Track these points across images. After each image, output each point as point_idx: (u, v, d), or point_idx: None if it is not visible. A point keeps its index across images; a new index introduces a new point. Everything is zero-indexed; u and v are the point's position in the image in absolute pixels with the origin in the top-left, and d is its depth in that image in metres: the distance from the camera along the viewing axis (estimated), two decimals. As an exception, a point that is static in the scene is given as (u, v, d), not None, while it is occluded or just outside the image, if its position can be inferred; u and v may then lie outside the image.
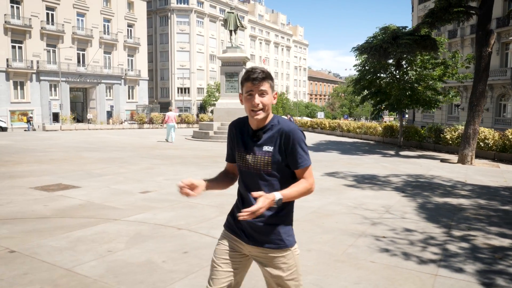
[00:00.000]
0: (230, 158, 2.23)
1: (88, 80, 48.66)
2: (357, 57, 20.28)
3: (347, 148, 18.84)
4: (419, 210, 6.71)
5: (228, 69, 21.56)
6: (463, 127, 18.00)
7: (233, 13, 22.46)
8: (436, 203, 7.30)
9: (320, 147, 18.84)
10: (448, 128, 18.56)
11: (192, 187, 1.98)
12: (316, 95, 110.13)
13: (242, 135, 2.11)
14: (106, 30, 50.91)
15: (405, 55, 17.09)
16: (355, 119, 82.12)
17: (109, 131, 27.62)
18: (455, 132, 17.76)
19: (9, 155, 12.38)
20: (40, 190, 7.29)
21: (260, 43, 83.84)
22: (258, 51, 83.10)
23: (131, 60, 54.84)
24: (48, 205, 6.17)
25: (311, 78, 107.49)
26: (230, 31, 22.41)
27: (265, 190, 1.98)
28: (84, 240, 4.59)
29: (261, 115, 2.00)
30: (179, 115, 38.63)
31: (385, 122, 36.21)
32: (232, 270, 2.10)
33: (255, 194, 1.86)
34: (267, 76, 2.00)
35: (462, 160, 14.06)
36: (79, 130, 27.30)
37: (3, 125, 32.88)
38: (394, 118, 40.36)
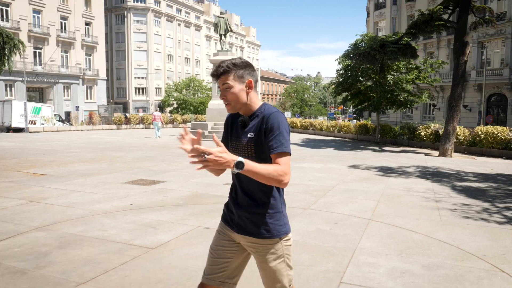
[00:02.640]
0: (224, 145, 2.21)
1: (45, 80, 47.05)
2: (340, 62, 22.22)
3: (335, 145, 20.64)
4: (456, 191, 8.44)
5: (219, 71, 22.59)
6: (435, 125, 20.52)
7: (223, 17, 23.55)
8: (461, 186, 9.09)
9: (310, 144, 20.50)
10: (421, 126, 20.94)
11: (186, 132, 1.90)
12: (268, 95, 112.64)
13: (234, 124, 2.15)
14: (63, 28, 49.44)
15: (389, 61, 19.17)
16: (305, 118, 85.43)
17: (96, 132, 27.54)
18: (428, 130, 20.12)
19: (39, 156, 12.71)
20: (137, 184, 8.16)
21: (215, 43, 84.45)
22: (214, 51, 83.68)
23: (89, 59, 53.60)
24: (167, 195, 7.15)
25: (263, 78, 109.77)
26: (220, 35, 23.47)
27: (252, 185, 2.01)
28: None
29: (230, 108, 2.05)
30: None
31: (348, 120, 38.72)
32: (226, 259, 2.12)
33: (216, 138, 1.79)
34: (227, 70, 1.99)
35: (443, 154, 16.28)
36: (64, 132, 26.92)
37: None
38: (360, 117, 43.10)
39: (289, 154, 1.92)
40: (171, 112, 58.73)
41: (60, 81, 48.85)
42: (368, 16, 47.22)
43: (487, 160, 15.40)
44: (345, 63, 22.01)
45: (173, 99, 60.90)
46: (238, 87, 2.00)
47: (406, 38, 18.10)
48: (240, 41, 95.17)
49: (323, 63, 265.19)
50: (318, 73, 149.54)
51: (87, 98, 53.90)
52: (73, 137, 22.15)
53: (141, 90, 65.89)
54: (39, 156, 12.60)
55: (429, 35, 18.10)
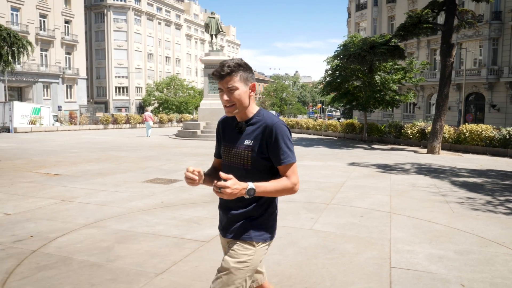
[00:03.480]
0: (217, 153, 2.22)
1: (24, 79, 46.05)
2: (328, 63, 22.80)
3: (325, 144, 21.18)
4: (456, 186, 9.01)
5: (210, 71, 22.71)
6: (421, 124, 21.30)
7: (214, 18, 23.75)
8: (459, 181, 9.68)
9: (302, 143, 20.97)
10: (408, 124, 21.70)
11: (199, 176, 1.96)
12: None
13: (228, 129, 2.09)
14: (43, 26, 48.50)
15: (377, 62, 19.82)
16: (285, 117, 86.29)
17: (85, 132, 27.32)
18: (415, 128, 20.89)
19: (42, 156, 12.70)
20: (157, 183, 8.39)
21: (196, 42, 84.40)
22: (194, 50, 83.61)
23: (69, 58, 52.72)
24: (191, 193, 7.42)
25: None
26: (211, 35, 23.69)
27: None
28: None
29: (233, 110, 1.97)
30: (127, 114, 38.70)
31: (330, 119, 39.45)
32: None
33: (223, 175, 1.80)
34: (234, 70, 1.92)
35: (431, 151, 17.00)
36: (52, 132, 26.56)
37: None
38: (345, 117, 43.99)
39: (295, 162, 1.97)
40: (152, 111, 58.33)
41: (40, 80, 47.92)
42: (349, 17, 48.16)
43: (473, 156, 16.18)
44: (334, 63, 22.59)
45: (154, 98, 60.51)
46: (243, 89, 1.94)
47: (394, 40, 18.76)
48: (220, 40, 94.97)
49: (301, 62, 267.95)
50: (296, 72, 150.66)
51: (67, 98, 53.05)
52: (64, 137, 21.96)
53: (121, 89, 65.21)
54: (43, 157, 12.60)
55: (417, 37, 18.81)
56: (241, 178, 1.86)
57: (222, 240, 2.18)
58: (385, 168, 11.85)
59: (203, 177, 1.98)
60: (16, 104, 26.51)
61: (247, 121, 2.00)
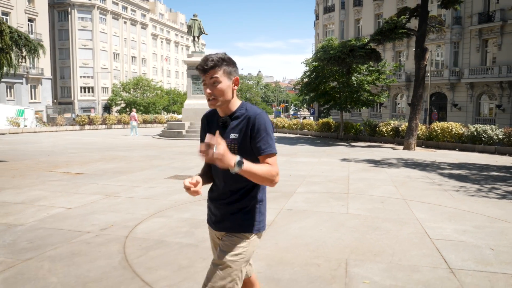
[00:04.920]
0: None
1: (-14, 79, 44.36)
2: (307, 64, 23.91)
3: (306, 142, 22.22)
4: (446, 177, 10.17)
5: (194, 72, 23.31)
6: (395, 122, 22.75)
7: (196, 20, 24.21)
8: (446, 173, 10.87)
9: (284, 141, 21.91)
10: (382, 123, 23.13)
11: (197, 184, 1.95)
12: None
13: (212, 124, 2.12)
14: (5, 25, 46.82)
15: (354, 65, 21.07)
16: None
17: (65, 133, 26.91)
18: (389, 126, 22.32)
19: (45, 157, 12.83)
20: (180, 179, 8.97)
21: (161, 42, 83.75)
22: (160, 50, 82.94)
23: (33, 57, 51.07)
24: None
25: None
26: (194, 37, 24.17)
27: (233, 179, 1.99)
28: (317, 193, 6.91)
29: (216, 103, 1.98)
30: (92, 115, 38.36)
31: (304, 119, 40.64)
32: None
33: (213, 140, 1.73)
34: (217, 64, 1.95)
35: (407, 147, 18.39)
36: (29, 133, 26.00)
37: None
38: (311, 116, 45.44)
39: (276, 153, 1.98)
40: (118, 111, 57.62)
41: (3, 80, 46.13)
42: (317, 19, 49.73)
43: (445, 152, 17.68)
44: (312, 65, 23.70)
45: (120, 99, 59.73)
46: (226, 83, 1.97)
47: (371, 44, 20.04)
48: (186, 40, 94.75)
49: (262, 62, 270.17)
50: (259, 72, 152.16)
51: (31, 98, 51.43)
52: (48, 138, 21.77)
53: (87, 90, 63.90)
54: (47, 157, 12.77)
55: (393, 41, 20.18)
56: (229, 171, 1.82)
57: (213, 233, 2.23)
58: (376, 163, 12.94)
59: (201, 182, 1.99)
60: (1, 106, 26.84)
61: (230, 115, 2.04)
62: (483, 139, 17.77)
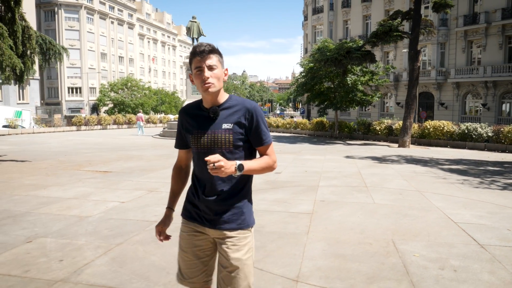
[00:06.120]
0: (180, 143, 2.20)
1: (-26, 80, 43.93)
2: (302, 65, 24.73)
3: (304, 140, 23.02)
4: (447, 172, 11.03)
5: (194, 73, 23.79)
6: (388, 121, 23.71)
7: (195, 22, 24.70)
8: (447, 168, 11.75)
9: (283, 140, 22.65)
10: (376, 122, 24.08)
11: (163, 231, 2.20)
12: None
13: (196, 117, 2.06)
14: (-7, 25, 46.39)
15: (350, 66, 21.95)
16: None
17: (64, 134, 27.07)
18: (382, 125, 23.27)
19: (63, 156, 13.24)
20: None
21: (148, 42, 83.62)
22: (147, 50, 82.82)
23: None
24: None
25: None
26: (193, 39, 24.69)
27: (223, 177, 1.98)
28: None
29: (213, 87, 1.95)
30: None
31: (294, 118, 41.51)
32: (206, 257, 2.11)
33: (212, 158, 1.79)
34: (214, 50, 1.97)
35: (402, 145, 19.34)
36: (29, 134, 26.10)
37: None
38: (301, 115, 46.30)
39: (272, 142, 2.08)
40: (106, 112, 57.47)
41: (-11, 81, 45.87)
42: (305, 20, 50.61)
43: (438, 149, 18.67)
44: (307, 66, 24.53)
45: (109, 99, 59.56)
46: (220, 70, 1.99)
47: (367, 46, 20.93)
48: (172, 40, 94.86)
49: (246, 62, 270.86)
50: (244, 71, 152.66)
51: (19, 99, 50.96)
52: (51, 139, 22.03)
53: (75, 90, 63.57)
54: (64, 157, 13.20)
55: (387, 43, 21.11)
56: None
57: (207, 231, 2.09)
58: (379, 159, 13.77)
59: (170, 217, 2.25)
60: (0, 108, 27.01)
61: (219, 106, 2.02)
62: (473, 136, 18.82)
